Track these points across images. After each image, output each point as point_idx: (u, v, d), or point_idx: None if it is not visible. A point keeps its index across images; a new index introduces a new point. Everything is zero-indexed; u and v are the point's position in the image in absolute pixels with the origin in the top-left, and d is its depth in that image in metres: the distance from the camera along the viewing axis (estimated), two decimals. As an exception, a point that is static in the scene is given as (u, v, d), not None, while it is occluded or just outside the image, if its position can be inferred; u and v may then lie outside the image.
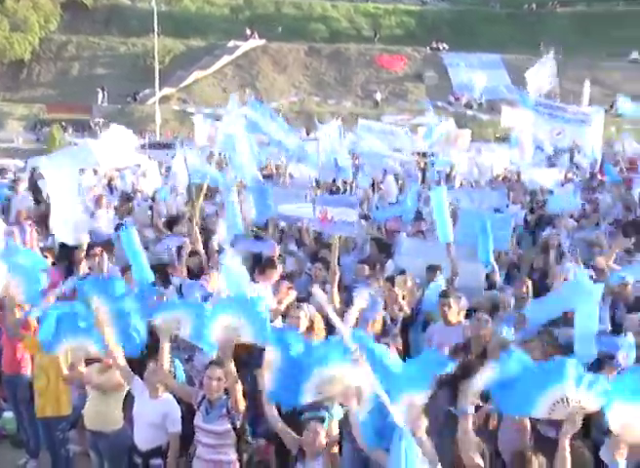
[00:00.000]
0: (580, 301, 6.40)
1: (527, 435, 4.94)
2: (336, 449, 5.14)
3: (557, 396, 4.20)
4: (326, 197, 11.89)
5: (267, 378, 5.07)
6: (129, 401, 6.52)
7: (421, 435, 4.54)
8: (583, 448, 4.89)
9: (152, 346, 6.21)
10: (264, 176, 18.72)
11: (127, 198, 15.53)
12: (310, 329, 6.68)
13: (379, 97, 55.13)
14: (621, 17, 62.69)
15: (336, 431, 5.16)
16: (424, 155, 27.20)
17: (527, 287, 8.30)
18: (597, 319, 6.33)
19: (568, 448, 4.23)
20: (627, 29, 59.88)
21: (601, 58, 56.79)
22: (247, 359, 6.32)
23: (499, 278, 9.21)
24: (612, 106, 50.11)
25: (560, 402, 4.21)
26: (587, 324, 6.20)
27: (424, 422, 4.60)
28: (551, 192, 16.90)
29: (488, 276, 9.27)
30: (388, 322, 7.37)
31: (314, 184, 16.38)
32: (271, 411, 5.32)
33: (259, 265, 8.70)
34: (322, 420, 5.09)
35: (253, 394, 5.95)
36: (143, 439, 6.17)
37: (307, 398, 4.88)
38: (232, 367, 5.56)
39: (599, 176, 21.05)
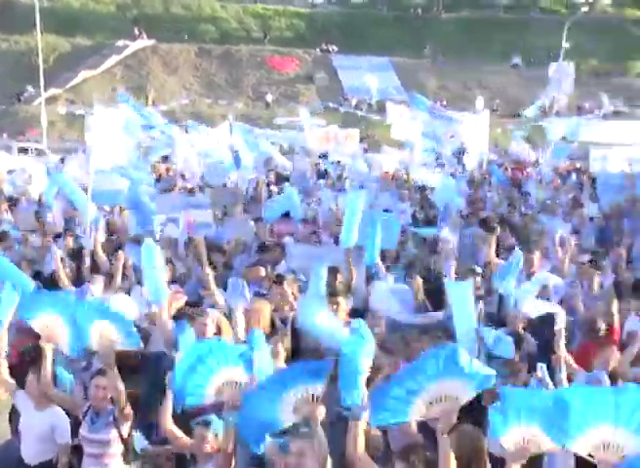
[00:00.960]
0: (455, 301, 6.59)
1: (412, 431, 5.03)
2: (230, 450, 5.09)
3: (436, 394, 4.23)
4: (184, 199, 11.91)
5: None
6: (16, 413, 6.28)
7: (318, 428, 4.57)
8: (478, 434, 4.99)
9: (35, 355, 6.00)
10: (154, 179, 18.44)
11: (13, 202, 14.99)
12: (218, 334, 6.60)
13: (270, 98, 55.16)
14: (503, 23, 65.15)
15: (230, 433, 5.11)
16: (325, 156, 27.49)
17: (418, 285, 8.45)
18: (474, 314, 6.52)
19: (448, 444, 4.26)
20: (509, 35, 62.34)
21: (485, 62, 58.74)
22: (136, 365, 6.19)
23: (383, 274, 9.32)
24: (496, 109, 52.06)
25: (437, 400, 4.24)
26: (465, 321, 6.38)
27: (322, 414, 4.61)
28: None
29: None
30: (278, 322, 7.36)
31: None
32: (164, 417, 5.24)
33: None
34: (208, 424, 5.05)
35: (145, 401, 5.82)
36: (32, 453, 5.94)
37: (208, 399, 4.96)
38: (117, 374, 5.42)
39: (487, 177, 21.76)
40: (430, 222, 13.78)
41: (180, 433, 5.28)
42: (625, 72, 62.32)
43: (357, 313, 7.52)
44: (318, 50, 61.42)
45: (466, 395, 4.29)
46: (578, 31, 48.99)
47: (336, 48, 61.26)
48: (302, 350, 7.40)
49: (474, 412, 4.93)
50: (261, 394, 4.72)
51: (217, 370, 4.95)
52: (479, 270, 8.86)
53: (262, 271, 8.97)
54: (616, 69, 61.09)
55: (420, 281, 8.53)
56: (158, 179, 19.30)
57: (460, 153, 26.30)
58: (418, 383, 4.20)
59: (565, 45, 43.38)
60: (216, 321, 6.66)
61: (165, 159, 23.59)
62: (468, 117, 21.16)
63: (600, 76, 59.81)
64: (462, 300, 6.51)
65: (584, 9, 50.61)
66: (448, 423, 4.25)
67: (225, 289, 7.93)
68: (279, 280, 7.97)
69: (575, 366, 6.39)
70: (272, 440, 4.92)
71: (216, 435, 5.05)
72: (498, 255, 9.99)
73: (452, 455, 4.26)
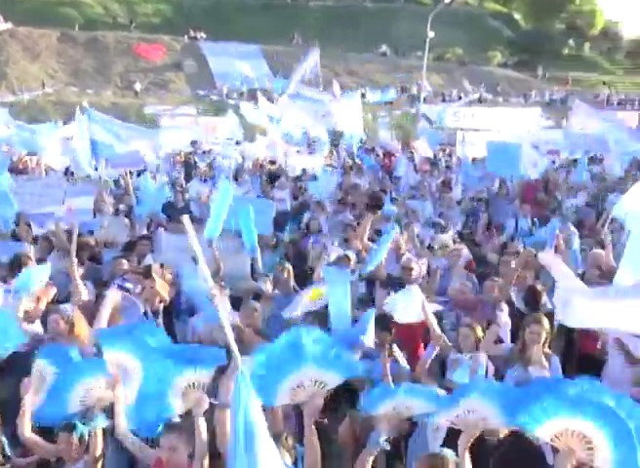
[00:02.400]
0: (331, 287, 6.67)
1: (278, 419, 5.09)
2: (98, 452, 4.96)
3: (295, 381, 4.26)
4: (70, 189, 11.74)
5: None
6: None
7: (199, 419, 4.55)
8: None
9: None
10: (19, 171, 17.71)
11: None
12: (71, 332, 6.35)
13: (138, 87, 53.74)
14: (370, 12, 66.44)
15: (98, 435, 4.98)
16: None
17: (288, 271, 8.49)
18: (349, 300, 6.62)
19: (313, 429, 4.33)
20: (376, 24, 63.65)
21: (354, 50, 59.63)
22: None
23: (260, 264, 9.32)
24: (364, 95, 52.99)
25: (299, 386, 4.28)
26: (341, 306, 6.47)
27: (205, 405, 4.58)
28: (315, 178, 17.39)
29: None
30: (149, 314, 7.20)
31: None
32: (22, 426, 5.03)
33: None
34: (72, 429, 4.92)
35: (13, 405, 5.57)
36: None
37: (72, 409, 4.88)
38: None
39: (357, 161, 22.08)
40: (303, 209, 13.87)
41: (40, 441, 5.09)
42: (487, 61, 65.02)
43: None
44: (186, 37, 60.44)
45: (334, 381, 4.35)
46: (441, 22, 50.44)
47: (204, 35, 60.50)
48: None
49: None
50: (153, 378, 4.67)
51: (72, 385, 4.88)
52: (352, 256, 8.97)
53: (125, 264, 8.75)
54: (478, 58, 63.60)
55: (289, 268, 8.58)
56: (23, 170, 18.51)
57: (334, 138, 26.58)
58: (283, 368, 4.22)
59: (430, 35, 44.59)
60: (67, 318, 6.43)
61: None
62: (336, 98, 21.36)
63: (464, 65, 62.14)
64: (338, 287, 6.59)
65: (447, 0, 52.20)
66: (314, 408, 4.32)
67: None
68: (147, 272, 7.80)
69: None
70: (138, 438, 4.89)
71: (81, 438, 4.93)
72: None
73: (316, 441, 4.34)
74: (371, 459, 4.51)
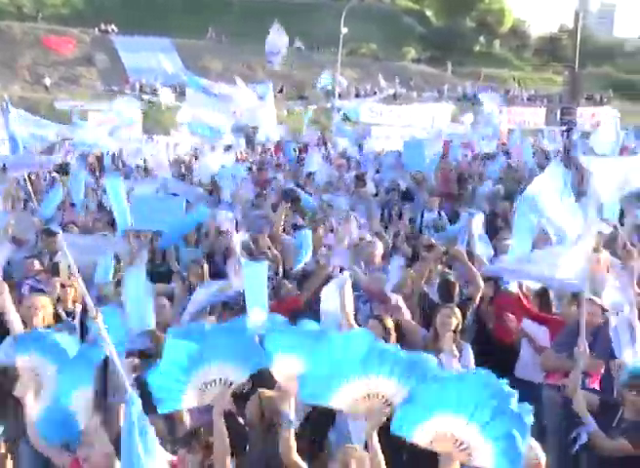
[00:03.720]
0: (248, 281, 6.65)
1: (184, 420, 5.07)
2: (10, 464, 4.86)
3: (204, 378, 4.24)
4: None
5: None
6: None
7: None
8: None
9: None
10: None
11: None
12: None
13: (48, 81, 52.14)
14: (284, 7, 66.36)
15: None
16: None
17: (202, 269, 8.41)
18: (266, 294, 6.62)
19: (222, 425, 4.27)
20: (291, 19, 63.63)
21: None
22: None
23: (175, 263, 9.21)
24: (281, 90, 53.01)
25: (211, 383, 4.26)
26: (258, 300, 6.46)
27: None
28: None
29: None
30: (64, 315, 7.01)
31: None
32: None
33: None
34: None
35: None
36: None
37: None
38: None
39: (274, 155, 22.05)
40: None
41: None
42: (401, 57, 65.99)
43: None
44: (97, 29, 58.96)
45: (241, 377, 4.35)
46: (355, 18, 50.88)
47: (116, 28, 59.20)
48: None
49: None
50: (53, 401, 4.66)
51: None
52: (271, 254, 8.95)
53: (37, 264, 8.51)
54: (392, 54, 64.46)
55: (205, 266, 8.52)
56: None
57: (248, 133, 26.44)
58: (188, 368, 4.19)
59: (344, 30, 44.94)
60: None
61: None
62: (250, 93, 21.10)
63: (378, 60, 62.85)
64: (255, 280, 6.56)
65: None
66: (221, 404, 4.29)
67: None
68: (55, 270, 7.60)
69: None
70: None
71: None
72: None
73: (226, 438, 4.28)
74: (289, 435, 4.44)
